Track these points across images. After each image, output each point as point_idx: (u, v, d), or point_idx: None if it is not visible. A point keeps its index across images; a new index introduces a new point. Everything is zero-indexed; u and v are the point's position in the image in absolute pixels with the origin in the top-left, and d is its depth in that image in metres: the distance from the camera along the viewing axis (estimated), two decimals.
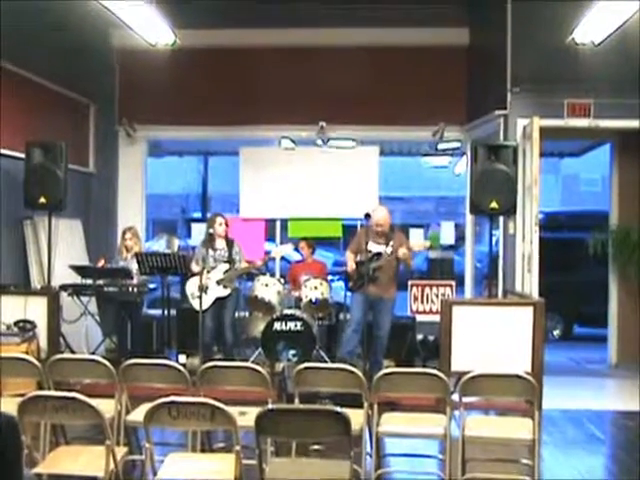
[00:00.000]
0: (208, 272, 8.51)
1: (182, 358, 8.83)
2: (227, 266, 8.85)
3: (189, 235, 12.68)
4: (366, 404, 4.91)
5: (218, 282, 8.77)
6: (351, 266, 8.43)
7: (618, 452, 6.67)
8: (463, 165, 11.41)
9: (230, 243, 9.01)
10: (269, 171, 10.47)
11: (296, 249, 10.19)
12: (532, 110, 8.56)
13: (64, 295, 8.40)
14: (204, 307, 8.37)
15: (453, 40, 10.23)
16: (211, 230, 8.80)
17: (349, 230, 10.60)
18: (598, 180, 26.34)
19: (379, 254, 8.25)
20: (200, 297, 8.27)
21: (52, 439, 4.96)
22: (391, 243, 8.24)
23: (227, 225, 9.01)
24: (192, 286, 8.81)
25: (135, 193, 10.78)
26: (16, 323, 7.58)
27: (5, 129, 8.14)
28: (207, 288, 8.46)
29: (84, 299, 8.71)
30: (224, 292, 8.83)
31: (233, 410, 4.02)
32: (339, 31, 10.14)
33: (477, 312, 7.38)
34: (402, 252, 8.10)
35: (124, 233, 9.31)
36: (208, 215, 17.14)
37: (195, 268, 8.73)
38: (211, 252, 8.86)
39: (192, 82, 10.43)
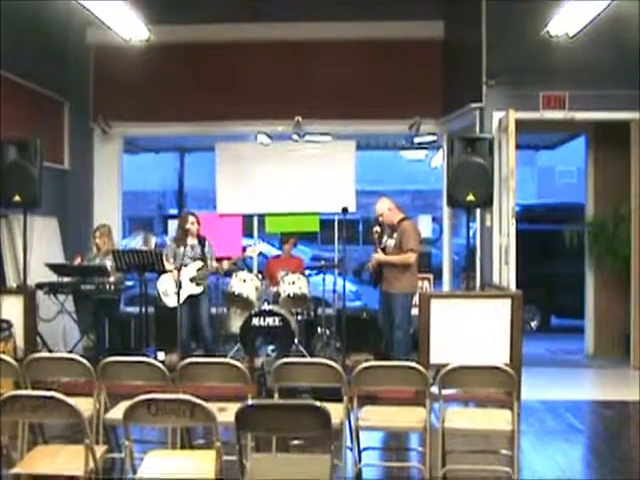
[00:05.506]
0: (179, 270, 8.47)
1: (161, 355, 8.80)
2: (200, 264, 8.85)
3: (166, 232, 12.63)
4: (346, 398, 4.92)
5: (191, 280, 8.75)
6: (371, 263, 8.44)
7: (596, 442, 6.71)
8: (439, 158, 11.43)
9: (202, 241, 9.01)
10: (245, 166, 10.43)
11: (280, 243, 10.24)
12: (508, 102, 8.59)
13: (40, 293, 8.32)
14: (177, 304, 8.38)
15: (428, 33, 10.26)
16: (187, 226, 8.82)
17: (326, 225, 10.60)
18: (574, 172, 26.55)
19: (384, 248, 8.30)
20: (178, 293, 8.32)
21: (30, 438, 4.91)
22: (394, 235, 8.23)
23: (199, 223, 9.02)
24: (163, 283, 8.80)
25: (111, 190, 10.72)
26: None
27: None
28: (180, 285, 8.44)
29: (61, 297, 8.64)
30: (197, 290, 8.84)
31: (213, 406, 4.00)
32: (313, 25, 10.14)
33: (455, 305, 7.38)
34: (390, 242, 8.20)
35: (95, 232, 9.26)
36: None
37: (167, 265, 8.71)
38: (182, 249, 8.85)
39: (167, 78, 10.38)
